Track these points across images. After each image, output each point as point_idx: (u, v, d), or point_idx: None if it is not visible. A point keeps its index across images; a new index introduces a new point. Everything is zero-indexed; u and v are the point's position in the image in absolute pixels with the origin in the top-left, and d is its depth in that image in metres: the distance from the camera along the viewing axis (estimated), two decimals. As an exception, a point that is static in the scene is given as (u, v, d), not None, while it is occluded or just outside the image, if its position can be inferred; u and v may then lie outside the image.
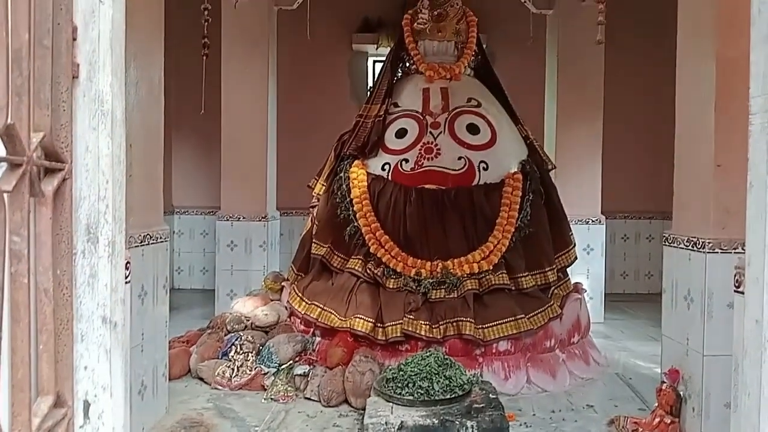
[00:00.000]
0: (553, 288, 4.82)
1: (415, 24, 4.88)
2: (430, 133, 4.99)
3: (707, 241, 3.24)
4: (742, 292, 1.67)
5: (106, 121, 1.47)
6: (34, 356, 1.32)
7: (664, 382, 3.59)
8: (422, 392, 3.41)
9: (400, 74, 5.45)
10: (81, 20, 1.45)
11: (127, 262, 2.60)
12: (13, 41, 1.17)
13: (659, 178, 7.21)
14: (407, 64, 5.43)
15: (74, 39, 1.43)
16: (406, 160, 4.94)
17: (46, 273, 1.32)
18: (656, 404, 3.58)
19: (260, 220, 6.61)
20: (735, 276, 2.52)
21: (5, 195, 1.14)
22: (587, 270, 6.56)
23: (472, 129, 5.00)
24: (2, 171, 1.19)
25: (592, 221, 6.66)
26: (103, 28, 1.46)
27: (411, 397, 3.39)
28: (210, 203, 8.19)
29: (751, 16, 1.56)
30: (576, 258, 5.13)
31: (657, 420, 3.50)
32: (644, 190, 8.12)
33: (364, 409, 3.55)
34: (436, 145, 4.94)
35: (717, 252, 3.21)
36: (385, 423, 3.20)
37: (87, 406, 1.49)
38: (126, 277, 1.94)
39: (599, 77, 6.55)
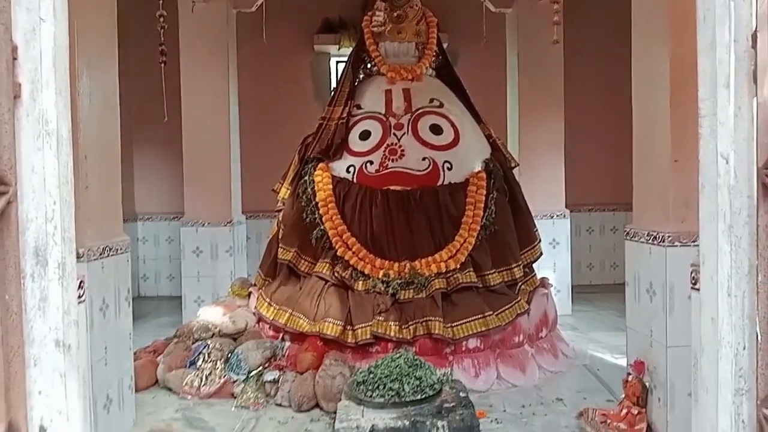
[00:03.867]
0: (519, 284, 4.87)
1: (371, 26, 4.87)
2: (394, 134, 4.99)
3: (667, 234, 3.30)
4: (698, 289, 1.71)
5: (52, 140, 1.43)
6: (-18, 386, 1.28)
7: (630, 373, 3.65)
8: (393, 394, 3.41)
9: (362, 76, 5.44)
10: (21, 39, 1.40)
11: (81, 281, 2.54)
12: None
13: (622, 170, 7.27)
14: (369, 66, 5.42)
15: (15, 58, 1.39)
16: (371, 162, 4.94)
17: (-7, 300, 1.28)
18: (623, 395, 3.65)
19: (225, 225, 6.53)
20: (691, 273, 2.58)
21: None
22: (554, 264, 6.65)
23: (435, 129, 5.01)
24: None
25: (557, 215, 6.74)
26: (45, 46, 1.42)
27: (382, 399, 3.39)
28: (174, 209, 8.07)
29: (697, 23, 1.59)
30: (541, 254, 5.19)
31: (624, 411, 3.57)
32: (607, 183, 8.24)
33: (335, 413, 3.53)
34: (400, 146, 4.94)
35: (676, 245, 3.28)
36: (357, 427, 3.19)
37: (43, 431, 1.45)
38: (80, 297, 1.89)
39: (559, 74, 6.63)
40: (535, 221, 5.34)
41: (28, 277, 1.42)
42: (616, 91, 7.27)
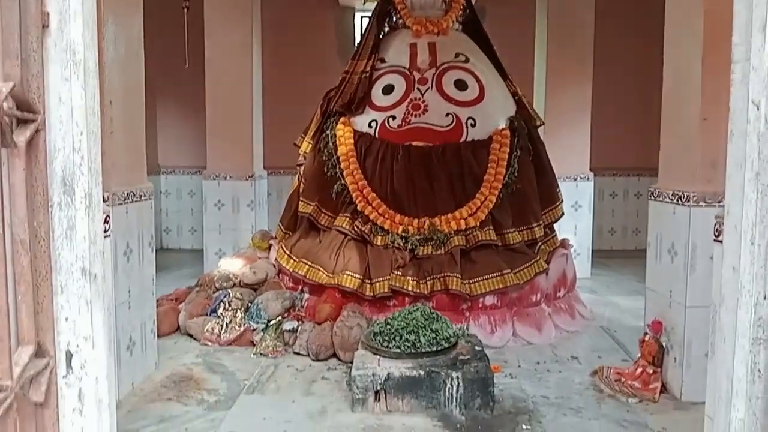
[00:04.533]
0: (539, 244, 4.86)
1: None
2: (418, 89, 4.94)
3: (692, 194, 3.26)
4: (721, 241, 1.69)
5: (79, 71, 1.44)
6: (13, 307, 1.32)
7: (647, 333, 3.66)
8: (409, 345, 3.46)
9: (387, 29, 5.36)
10: (49, -34, 1.40)
11: (106, 216, 2.58)
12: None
13: (649, 135, 7.14)
14: (394, 19, 5.34)
15: (43, -14, 1.39)
16: (393, 117, 4.90)
17: (22, 224, 1.31)
18: (639, 355, 3.66)
19: (247, 179, 6.57)
20: (715, 225, 2.55)
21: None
22: (575, 226, 6.61)
23: (460, 85, 4.95)
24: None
25: (581, 178, 6.67)
26: (73, -26, 1.42)
27: (398, 350, 3.44)
28: (196, 162, 8.14)
29: (735, -39, 1.53)
30: (563, 214, 5.15)
31: (639, 370, 3.58)
32: (633, 147, 8.11)
33: (351, 363, 3.59)
34: (423, 101, 4.89)
35: (701, 205, 3.23)
36: (372, 375, 3.24)
37: (69, 356, 1.51)
38: (105, 231, 1.93)
39: (589, 34, 6.47)
40: (558, 182, 5.29)
41: (55, 205, 1.45)
42: (647, 55, 7.10)
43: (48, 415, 1.45)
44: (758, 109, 1.48)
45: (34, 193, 1.38)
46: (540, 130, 5.41)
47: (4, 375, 1.24)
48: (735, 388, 1.56)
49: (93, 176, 1.50)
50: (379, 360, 3.42)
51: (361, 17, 8.07)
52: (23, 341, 1.35)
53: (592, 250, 6.89)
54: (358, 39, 7.80)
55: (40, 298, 1.41)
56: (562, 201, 5.16)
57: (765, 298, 1.49)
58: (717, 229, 2.43)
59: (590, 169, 6.75)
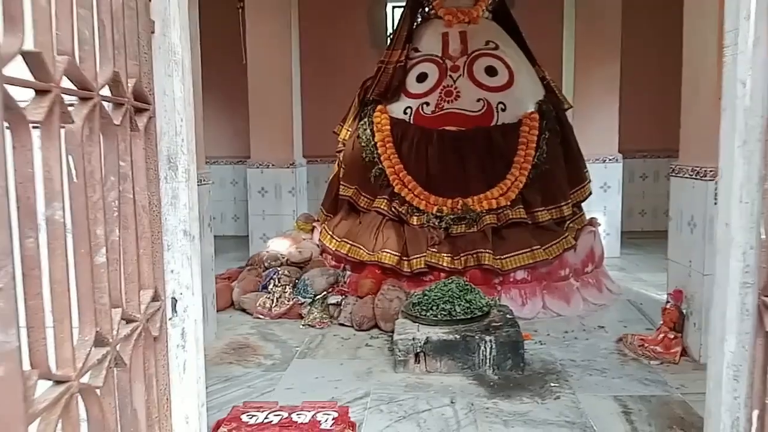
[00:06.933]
0: (568, 222, 5.11)
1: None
2: (450, 76, 5.21)
3: (709, 169, 3.49)
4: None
5: (178, 69, 1.78)
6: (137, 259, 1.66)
7: (668, 302, 3.90)
8: (445, 313, 3.77)
9: (419, 20, 5.64)
10: (154, -17, 1.73)
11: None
12: (113, 2, 1.46)
13: (678, 117, 7.32)
14: (426, 9, 5.61)
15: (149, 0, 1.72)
16: (427, 104, 5.19)
17: (143, 192, 1.65)
18: (661, 322, 3.90)
19: (288, 167, 6.94)
20: (714, 190, 2.78)
21: (116, 128, 1.46)
22: (604, 207, 6.82)
23: (491, 71, 5.20)
24: (109, 110, 1.50)
25: (609, 159, 6.86)
26: (172, -12, 1.75)
27: (435, 318, 3.76)
28: (238, 153, 8.54)
29: (725, -41, 1.79)
30: (590, 193, 5.38)
31: (661, 336, 3.83)
32: (663, 129, 8.22)
33: (392, 332, 3.92)
34: (455, 88, 5.17)
35: (718, 179, 3.45)
36: (413, 339, 3.57)
37: (174, 302, 1.85)
38: (194, 203, 2.27)
39: (617, 18, 6.64)
40: (587, 165, 5.51)
41: (162, 179, 1.79)
42: (675, 37, 7.22)
43: (160, 348, 1.80)
44: (744, 86, 1.74)
45: (148, 168, 1.72)
46: (569, 113, 5.64)
47: (135, 310, 1.59)
48: (727, 326, 1.84)
49: (191, 156, 1.84)
50: (418, 326, 3.74)
51: (393, 8, 8.34)
52: (144, 286, 1.69)
53: (622, 231, 7.08)
54: (389, 29, 8.09)
55: (155, 253, 1.75)
56: (590, 181, 5.39)
57: (752, 248, 1.76)
58: (716, 193, 2.67)
59: (619, 151, 6.94)
